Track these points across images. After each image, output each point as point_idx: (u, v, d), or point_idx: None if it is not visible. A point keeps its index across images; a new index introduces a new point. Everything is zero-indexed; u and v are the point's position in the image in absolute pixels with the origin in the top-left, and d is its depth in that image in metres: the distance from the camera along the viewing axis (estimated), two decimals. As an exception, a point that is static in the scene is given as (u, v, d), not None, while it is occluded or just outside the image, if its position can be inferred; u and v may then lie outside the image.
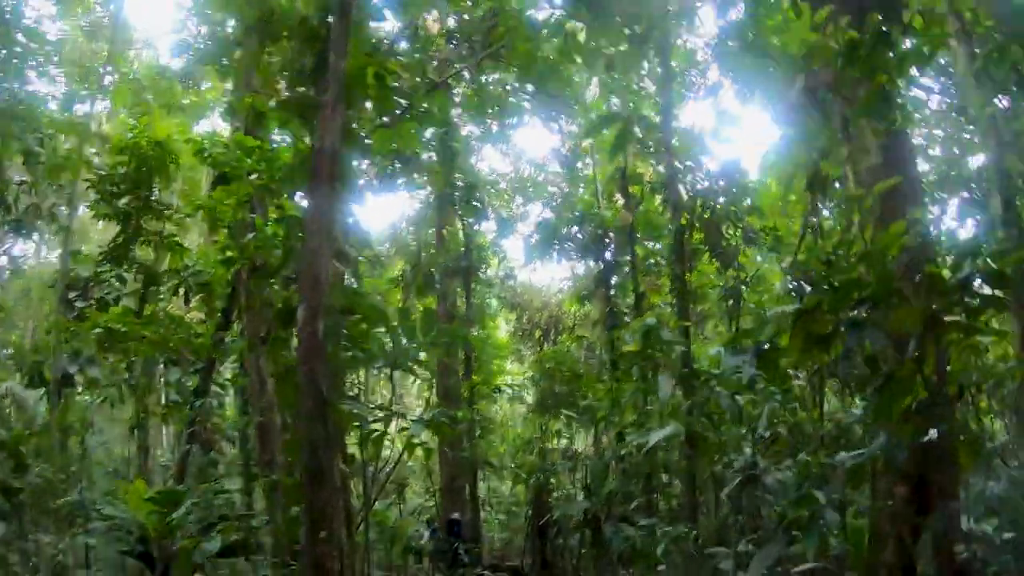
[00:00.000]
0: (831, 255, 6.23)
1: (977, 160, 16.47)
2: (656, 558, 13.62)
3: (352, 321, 7.47)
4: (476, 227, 23.84)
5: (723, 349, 7.16)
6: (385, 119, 8.80)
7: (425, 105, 10.45)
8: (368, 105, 8.76)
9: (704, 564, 8.99)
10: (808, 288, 6.72)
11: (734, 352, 6.64)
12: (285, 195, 9.84)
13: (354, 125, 8.39)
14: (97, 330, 13.63)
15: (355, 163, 10.05)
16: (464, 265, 22.49)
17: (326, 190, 6.36)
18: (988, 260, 5.44)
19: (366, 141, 8.80)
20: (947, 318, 5.59)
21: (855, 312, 5.48)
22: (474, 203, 21.09)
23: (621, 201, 19.51)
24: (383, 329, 8.08)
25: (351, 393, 18.81)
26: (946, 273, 5.68)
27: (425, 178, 21.60)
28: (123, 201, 18.16)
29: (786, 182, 20.93)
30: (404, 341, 7.78)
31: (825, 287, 5.81)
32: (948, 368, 5.88)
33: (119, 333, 13.76)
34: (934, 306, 5.55)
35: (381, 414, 8.20)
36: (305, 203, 8.02)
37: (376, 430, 8.23)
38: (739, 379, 6.82)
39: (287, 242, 7.72)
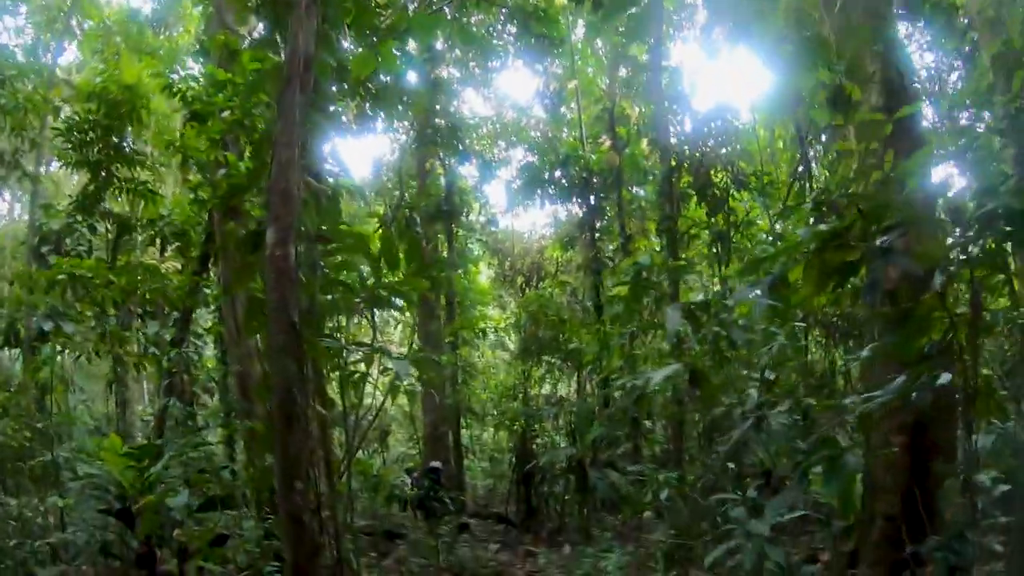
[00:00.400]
0: (849, 181, 5.71)
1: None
2: (644, 504, 13.30)
3: (329, 250, 6.82)
4: (458, 169, 23.06)
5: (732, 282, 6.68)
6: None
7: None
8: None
9: (706, 511, 8.54)
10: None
11: (749, 284, 6.11)
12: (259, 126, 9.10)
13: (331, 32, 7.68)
14: (60, 277, 12.91)
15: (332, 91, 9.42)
16: (446, 209, 21.82)
17: (298, 98, 5.66)
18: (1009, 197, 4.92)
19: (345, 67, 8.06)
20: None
21: (882, 239, 4.96)
22: (456, 143, 20.29)
23: (607, 143, 18.87)
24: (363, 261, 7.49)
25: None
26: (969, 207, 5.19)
27: (405, 118, 20.80)
28: (94, 149, 17.29)
29: (774, 127, 20.51)
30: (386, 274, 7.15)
31: (848, 213, 5.28)
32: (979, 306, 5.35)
33: (86, 281, 13.08)
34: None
35: (361, 351, 7.55)
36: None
37: (357, 371, 7.63)
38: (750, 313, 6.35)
39: (255, 159, 6.99)
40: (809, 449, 5.64)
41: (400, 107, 19.97)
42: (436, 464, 18.92)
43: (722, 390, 8.45)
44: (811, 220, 6.87)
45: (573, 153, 21.01)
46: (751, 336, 7.74)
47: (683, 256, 17.96)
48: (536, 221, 43.19)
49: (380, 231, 16.37)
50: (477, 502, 24.86)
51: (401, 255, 6.93)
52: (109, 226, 18.00)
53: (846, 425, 9.27)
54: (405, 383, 8.18)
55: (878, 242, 4.93)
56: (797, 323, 9.35)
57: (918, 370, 5.24)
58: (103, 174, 17.20)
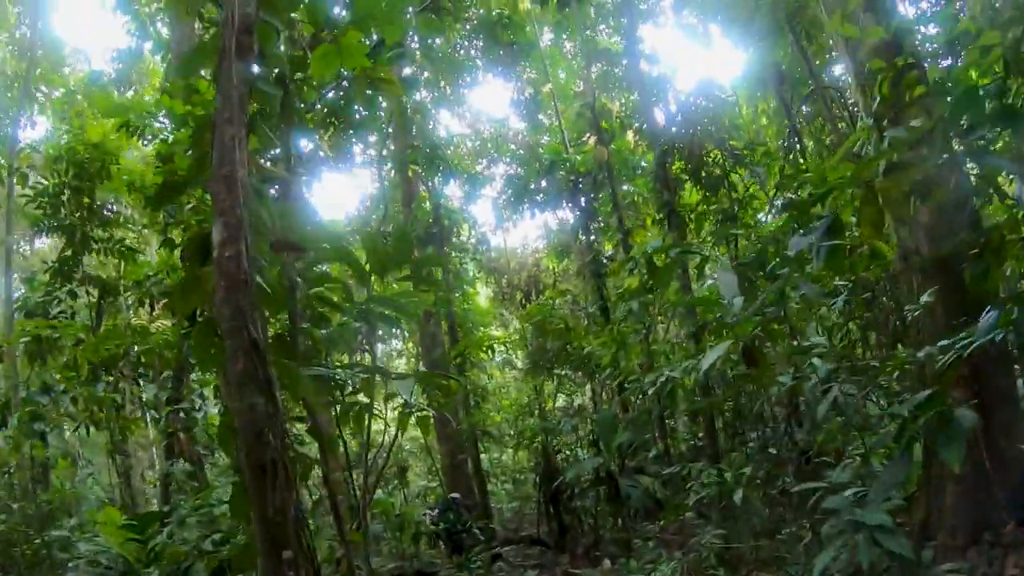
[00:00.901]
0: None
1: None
2: (684, 507, 12.31)
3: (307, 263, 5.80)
4: (443, 191, 22.16)
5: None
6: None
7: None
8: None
9: (757, 506, 7.57)
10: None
11: (803, 233, 5.18)
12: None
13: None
14: (24, 339, 11.94)
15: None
16: (435, 232, 20.87)
17: (236, 66, 4.68)
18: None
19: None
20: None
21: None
22: (438, 163, 19.39)
23: (592, 140, 17.97)
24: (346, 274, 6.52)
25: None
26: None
27: (382, 144, 19.96)
28: (67, 212, 16.38)
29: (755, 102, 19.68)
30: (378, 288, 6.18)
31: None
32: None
33: (52, 343, 12.12)
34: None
35: (356, 376, 6.52)
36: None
37: (356, 402, 6.62)
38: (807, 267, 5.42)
39: (195, 149, 5.94)
40: (915, 410, 4.67)
41: (376, 133, 19.20)
42: (455, 495, 17.90)
43: (778, 366, 7.44)
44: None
45: (557, 158, 20.13)
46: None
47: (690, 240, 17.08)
48: (527, 235, 42.38)
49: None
50: (506, 527, 23.79)
51: (391, 249, 5.93)
52: (90, 290, 17.00)
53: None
54: (415, 410, 7.20)
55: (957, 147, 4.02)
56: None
57: (1019, 299, 4.29)
58: (78, 236, 16.26)
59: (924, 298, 6.18)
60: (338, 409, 6.63)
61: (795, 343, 7.64)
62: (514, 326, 25.72)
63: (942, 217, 7.40)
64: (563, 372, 19.43)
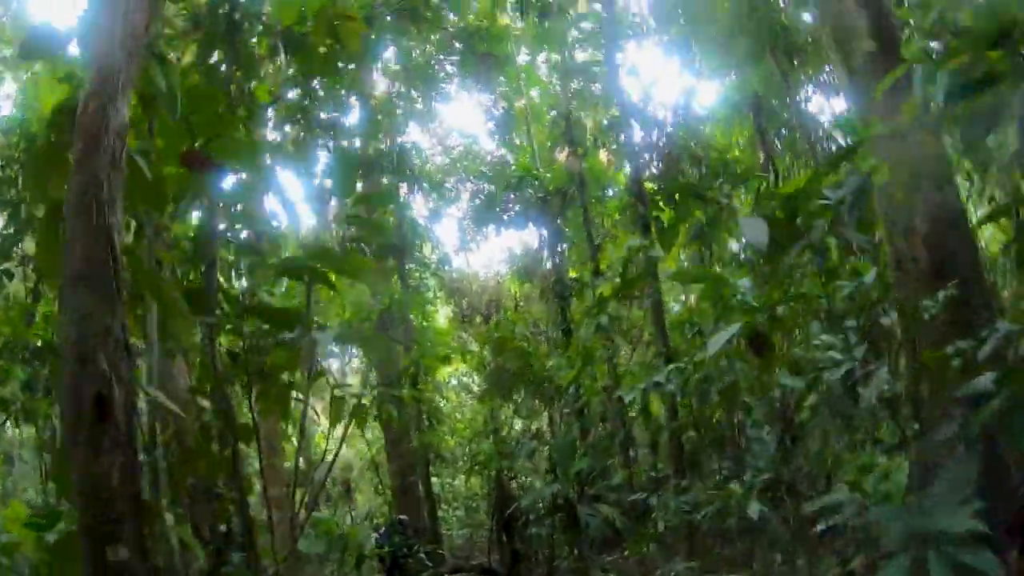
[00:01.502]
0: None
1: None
2: (650, 536, 11.28)
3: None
4: (409, 206, 21.07)
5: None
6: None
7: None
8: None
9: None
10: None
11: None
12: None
13: None
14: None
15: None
16: (396, 243, 19.70)
17: None
18: None
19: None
20: None
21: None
22: (404, 169, 18.34)
23: (565, 151, 17.08)
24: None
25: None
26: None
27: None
28: (12, 189, 14.99)
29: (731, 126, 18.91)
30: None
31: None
32: None
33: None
34: None
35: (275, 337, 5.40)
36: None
37: (278, 380, 5.50)
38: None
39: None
40: (992, 388, 3.72)
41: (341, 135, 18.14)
42: (402, 517, 16.68)
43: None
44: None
45: (526, 174, 19.21)
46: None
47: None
48: (491, 258, 41.29)
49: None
50: (456, 554, 22.52)
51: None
52: (30, 271, 15.59)
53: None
54: (348, 396, 6.15)
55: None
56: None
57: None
58: (22, 216, 14.88)
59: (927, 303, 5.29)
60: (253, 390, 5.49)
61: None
62: (473, 348, 24.57)
63: (937, 227, 6.76)
64: (520, 395, 18.38)
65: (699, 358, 7.88)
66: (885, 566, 3.93)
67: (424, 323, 22.30)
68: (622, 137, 15.98)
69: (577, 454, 14.70)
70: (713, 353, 5.99)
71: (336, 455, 15.58)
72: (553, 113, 20.54)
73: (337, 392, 6.28)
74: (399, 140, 20.03)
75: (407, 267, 20.53)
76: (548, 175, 18.82)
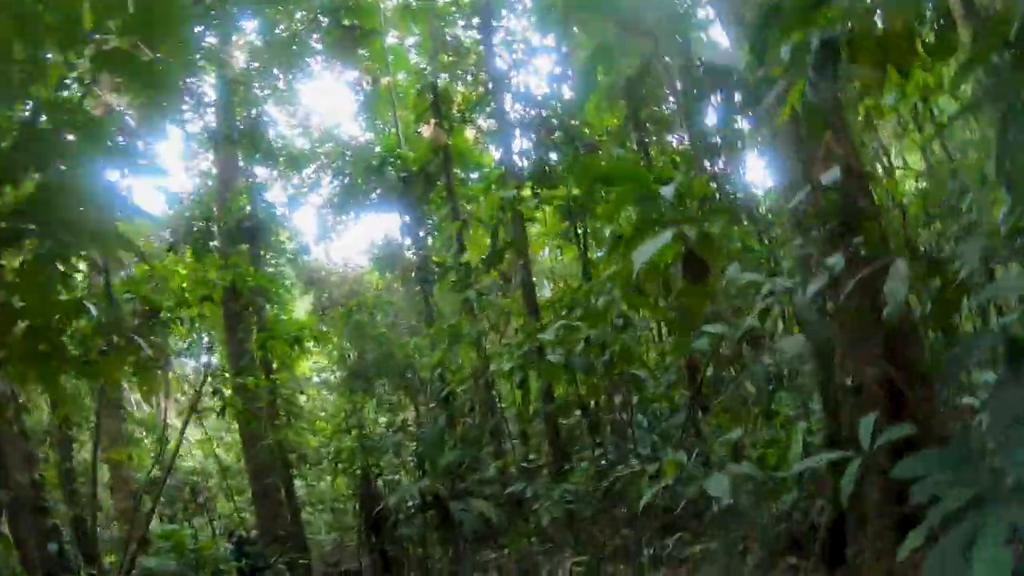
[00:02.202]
0: None
1: None
2: (530, 531, 10.11)
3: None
4: (265, 191, 19.21)
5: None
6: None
7: None
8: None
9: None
10: None
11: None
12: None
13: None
14: None
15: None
16: (249, 226, 17.81)
17: None
18: None
19: None
20: None
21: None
22: (259, 143, 16.52)
23: (431, 124, 15.66)
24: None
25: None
26: None
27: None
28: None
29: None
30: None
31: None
32: None
33: None
34: None
35: None
36: None
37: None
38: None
39: None
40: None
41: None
42: (241, 533, 14.93)
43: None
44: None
45: (389, 154, 17.72)
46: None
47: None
48: (352, 248, 39.45)
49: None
50: (325, 560, 20.80)
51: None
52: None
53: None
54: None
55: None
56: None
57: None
58: None
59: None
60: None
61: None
62: (332, 342, 22.75)
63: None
64: (383, 384, 16.89)
65: (602, 302, 6.73)
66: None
67: (281, 315, 20.36)
68: (491, 112, 14.83)
69: (446, 446, 13.39)
70: (641, 263, 4.80)
71: (177, 449, 13.79)
72: (419, 86, 19.14)
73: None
74: (255, 113, 18.12)
75: (262, 254, 18.58)
76: (412, 154, 17.41)
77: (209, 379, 10.71)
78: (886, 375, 5.95)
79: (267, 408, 16.03)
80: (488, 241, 12.76)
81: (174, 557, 13.44)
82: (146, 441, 22.19)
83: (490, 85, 14.66)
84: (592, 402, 9.40)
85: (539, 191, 12.86)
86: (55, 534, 10.83)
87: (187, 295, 10.43)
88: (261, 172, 21.30)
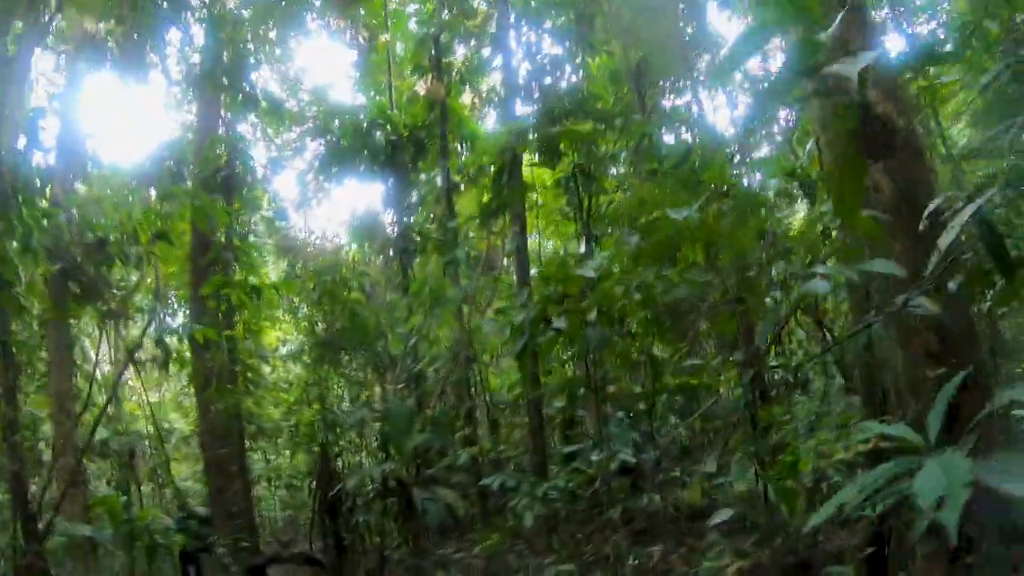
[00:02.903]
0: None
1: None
2: (507, 528, 8.76)
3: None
4: (249, 137, 17.58)
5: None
6: None
7: None
8: None
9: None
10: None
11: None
12: None
13: None
14: None
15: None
16: (226, 175, 16.15)
17: None
18: None
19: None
20: None
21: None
22: (240, 84, 14.94)
23: (429, 78, 14.21)
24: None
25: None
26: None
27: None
28: None
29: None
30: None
31: None
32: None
33: None
34: None
35: None
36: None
37: None
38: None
39: None
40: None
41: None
42: (186, 506, 13.49)
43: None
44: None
45: (380, 116, 16.21)
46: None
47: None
48: (332, 219, 37.54)
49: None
50: (278, 539, 19.29)
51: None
52: None
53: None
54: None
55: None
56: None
57: None
58: None
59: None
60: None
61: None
62: (303, 313, 21.11)
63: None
64: (351, 358, 15.43)
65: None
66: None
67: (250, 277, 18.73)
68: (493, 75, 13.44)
69: (414, 428, 11.94)
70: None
71: (108, 403, 12.24)
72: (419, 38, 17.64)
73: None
74: (242, 50, 16.47)
75: (236, 208, 16.91)
76: (405, 118, 15.92)
77: (152, 325, 9.22)
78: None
79: (223, 370, 14.43)
80: (486, 198, 11.38)
81: (109, 526, 11.93)
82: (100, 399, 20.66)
83: (495, 34, 13.18)
84: (593, 385, 8.03)
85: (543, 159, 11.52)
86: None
87: (137, 226, 8.97)
88: (245, 129, 19.77)
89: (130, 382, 23.22)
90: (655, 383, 7.72)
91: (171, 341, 10.99)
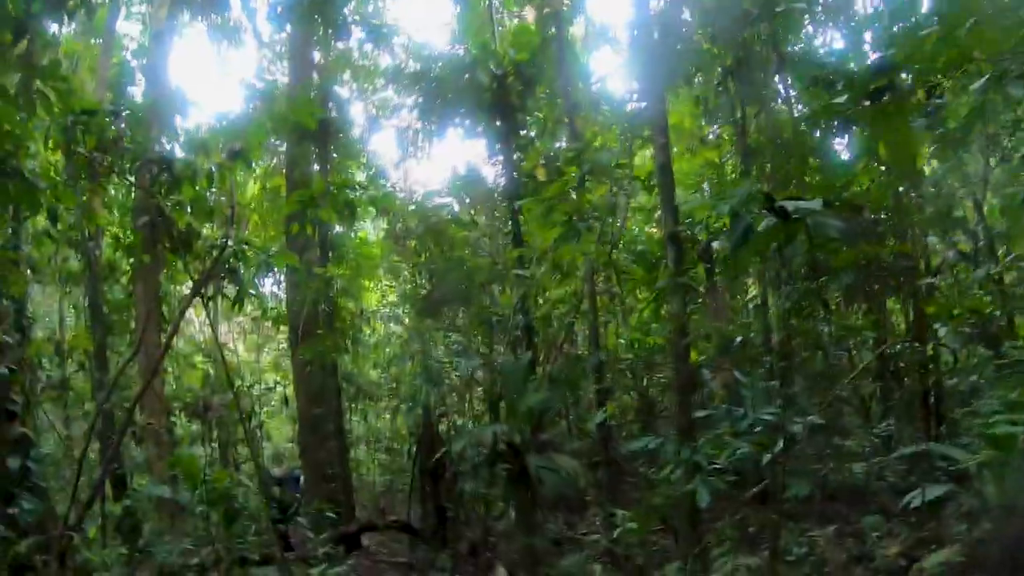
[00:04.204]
0: None
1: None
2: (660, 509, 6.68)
3: None
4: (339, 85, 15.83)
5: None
6: None
7: None
8: None
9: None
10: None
11: None
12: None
13: None
14: None
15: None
16: (322, 119, 14.38)
17: None
18: None
19: None
20: None
21: None
22: (338, 15, 13.19)
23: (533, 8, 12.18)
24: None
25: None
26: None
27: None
28: None
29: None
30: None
31: None
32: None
33: None
34: None
35: None
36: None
37: None
38: None
39: None
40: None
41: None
42: (274, 470, 11.96)
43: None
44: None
45: (482, 52, 14.20)
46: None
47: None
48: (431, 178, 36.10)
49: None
50: (378, 505, 17.68)
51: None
52: None
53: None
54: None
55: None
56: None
57: None
58: None
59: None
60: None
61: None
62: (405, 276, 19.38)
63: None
64: (455, 315, 13.60)
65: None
66: None
67: (351, 233, 17.09)
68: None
69: (530, 386, 9.94)
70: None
71: (167, 346, 10.72)
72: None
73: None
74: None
75: (332, 156, 15.16)
76: (512, 52, 13.88)
77: (227, 249, 7.49)
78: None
79: (313, 318, 12.78)
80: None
81: (187, 488, 10.36)
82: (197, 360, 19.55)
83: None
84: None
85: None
86: (21, 445, 7.87)
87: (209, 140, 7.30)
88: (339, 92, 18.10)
89: (230, 344, 22.21)
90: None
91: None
